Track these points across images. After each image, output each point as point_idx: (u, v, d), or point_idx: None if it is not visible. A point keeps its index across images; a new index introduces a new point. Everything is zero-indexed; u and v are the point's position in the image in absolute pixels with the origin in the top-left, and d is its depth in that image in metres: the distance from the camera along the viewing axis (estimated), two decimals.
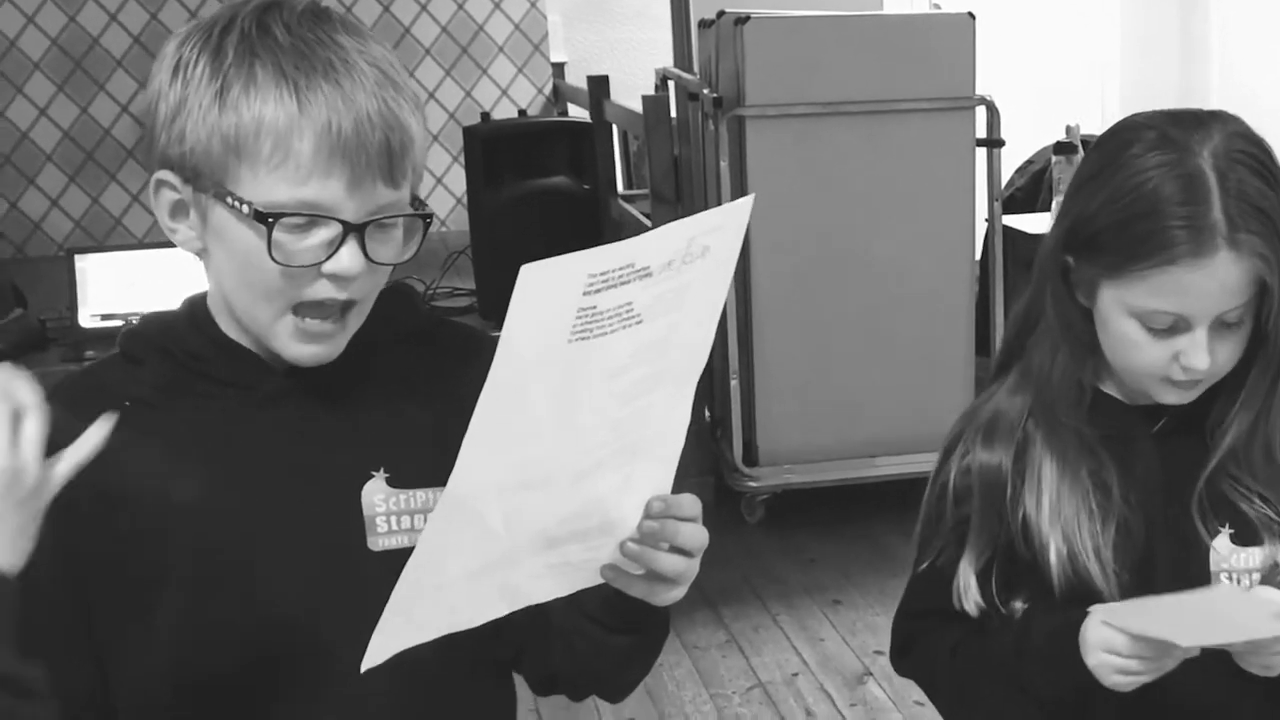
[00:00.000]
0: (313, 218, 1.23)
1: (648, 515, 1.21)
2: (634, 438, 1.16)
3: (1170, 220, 1.40)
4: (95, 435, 1.13)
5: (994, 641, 1.56)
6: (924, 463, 4.98)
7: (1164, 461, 1.53)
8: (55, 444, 1.13)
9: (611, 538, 1.21)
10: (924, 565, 1.62)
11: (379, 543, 1.32)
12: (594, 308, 1.05)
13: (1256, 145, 1.44)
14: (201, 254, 1.31)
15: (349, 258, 1.24)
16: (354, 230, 1.24)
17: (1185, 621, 1.42)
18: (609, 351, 1.08)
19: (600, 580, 1.24)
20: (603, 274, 1.04)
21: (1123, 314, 1.45)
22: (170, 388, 1.33)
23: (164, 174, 1.28)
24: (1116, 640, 1.43)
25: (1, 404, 1.09)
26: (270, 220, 1.22)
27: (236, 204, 1.23)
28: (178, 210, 1.29)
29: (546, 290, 1.03)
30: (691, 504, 1.23)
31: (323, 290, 1.26)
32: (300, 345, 1.28)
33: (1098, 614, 1.44)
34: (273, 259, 1.23)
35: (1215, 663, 1.46)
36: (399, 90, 1.26)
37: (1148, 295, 1.42)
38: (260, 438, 1.31)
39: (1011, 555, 1.55)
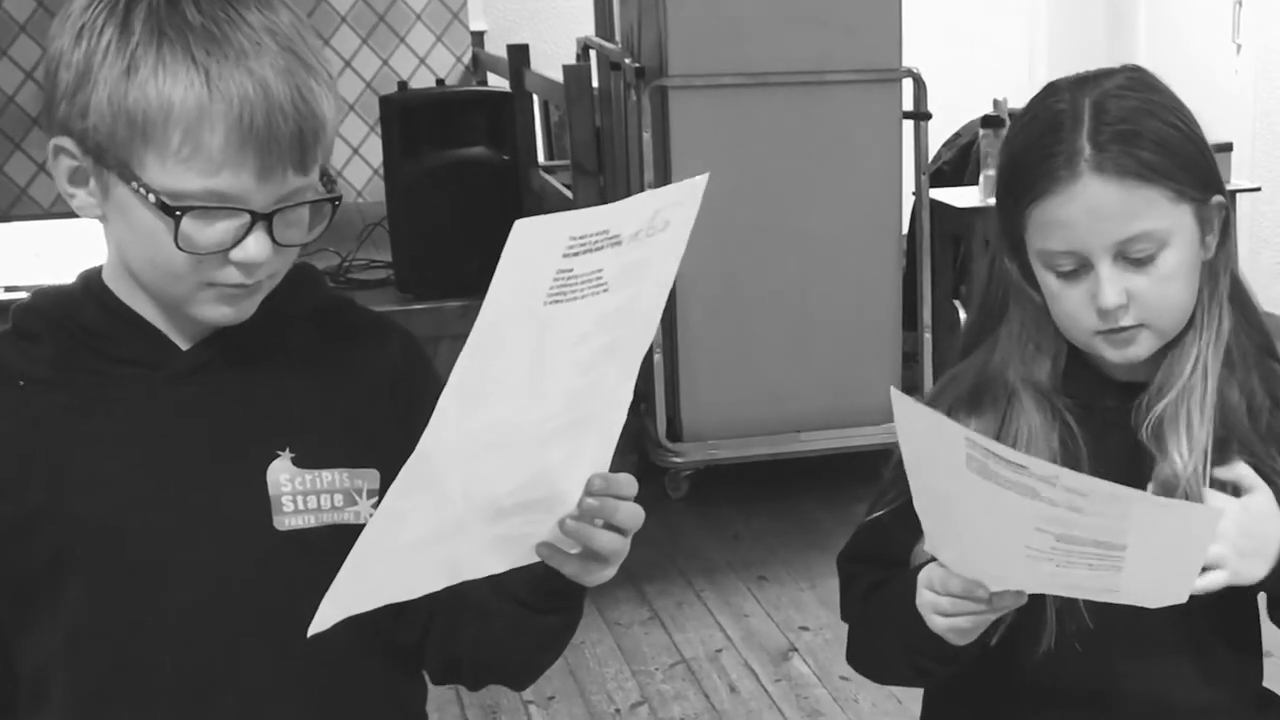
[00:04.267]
0: (220, 208, 1.20)
1: (588, 492, 1.21)
2: (586, 409, 1.17)
3: (1045, 152, 1.41)
4: None
5: (896, 588, 1.49)
6: (850, 438, 4.99)
7: (1139, 440, 1.46)
8: None
9: (552, 514, 1.21)
10: (869, 517, 1.58)
11: (285, 522, 1.29)
12: (570, 271, 1.06)
13: (1148, 86, 1.44)
14: (102, 219, 1.27)
15: (256, 246, 1.22)
16: (261, 219, 1.22)
17: (1009, 551, 1.28)
18: (577, 317, 1.09)
19: (535, 559, 1.24)
20: (581, 238, 1.05)
21: (1039, 265, 1.44)
22: (68, 365, 1.29)
23: (63, 140, 1.24)
24: (934, 575, 1.36)
25: None
26: (178, 213, 1.19)
27: (141, 190, 1.19)
28: (77, 176, 1.25)
29: (534, 247, 1.03)
30: (629, 483, 1.23)
31: (231, 276, 1.23)
32: (216, 308, 1.26)
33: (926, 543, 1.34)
34: (179, 248, 1.20)
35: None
36: (312, 72, 1.23)
37: (1041, 235, 1.42)
38: (163, 416, 1.29)
39: None
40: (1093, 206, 1.38)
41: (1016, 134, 1.47)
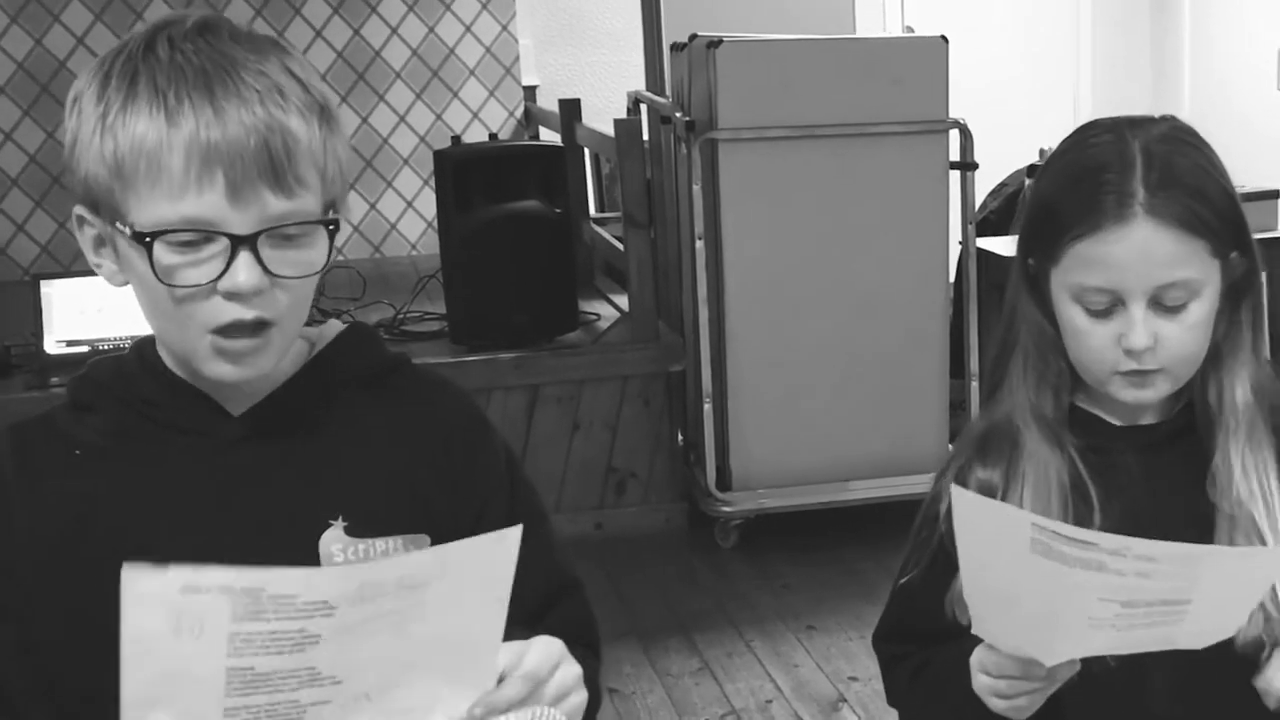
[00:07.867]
0: (198, 233, 1.18)
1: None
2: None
3: (1095, 190, 1.42)
4: None
5: (943, 667, 1.52)
6: (898, 486, 4.97)
7: (1149, 481, 1.50)
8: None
9: None
10: (900, 581, 1.60)
11: None
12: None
13: (1192, 138, 1.47)
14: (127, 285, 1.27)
15: (243, 273, 1.18)
16: (242, 243, 1.18)
17: (1059, 626, 1.29)
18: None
19: None
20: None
21: (1067, 299, 1.45)
22: (122, 433, 1.29)
23: (79, 208, 1.25)
24: (987, 660, 1.37)
25: None
26: (148, 239, 1.17)
27: (124, 230, 1.19)
28: (100, 244, 1.25)
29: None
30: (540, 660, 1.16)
31: (228, 312, 1.20)
32: (220, 364, 1.23)
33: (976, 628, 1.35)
34: (158, 279, 1.19)
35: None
36: (284, 95, 1.20)
37: (1080, 270, 1.43)
38: (215, 484, 1.27)
39: None
40: (1143, 249, 1.40)
41: (1059, 168, 1.48)
